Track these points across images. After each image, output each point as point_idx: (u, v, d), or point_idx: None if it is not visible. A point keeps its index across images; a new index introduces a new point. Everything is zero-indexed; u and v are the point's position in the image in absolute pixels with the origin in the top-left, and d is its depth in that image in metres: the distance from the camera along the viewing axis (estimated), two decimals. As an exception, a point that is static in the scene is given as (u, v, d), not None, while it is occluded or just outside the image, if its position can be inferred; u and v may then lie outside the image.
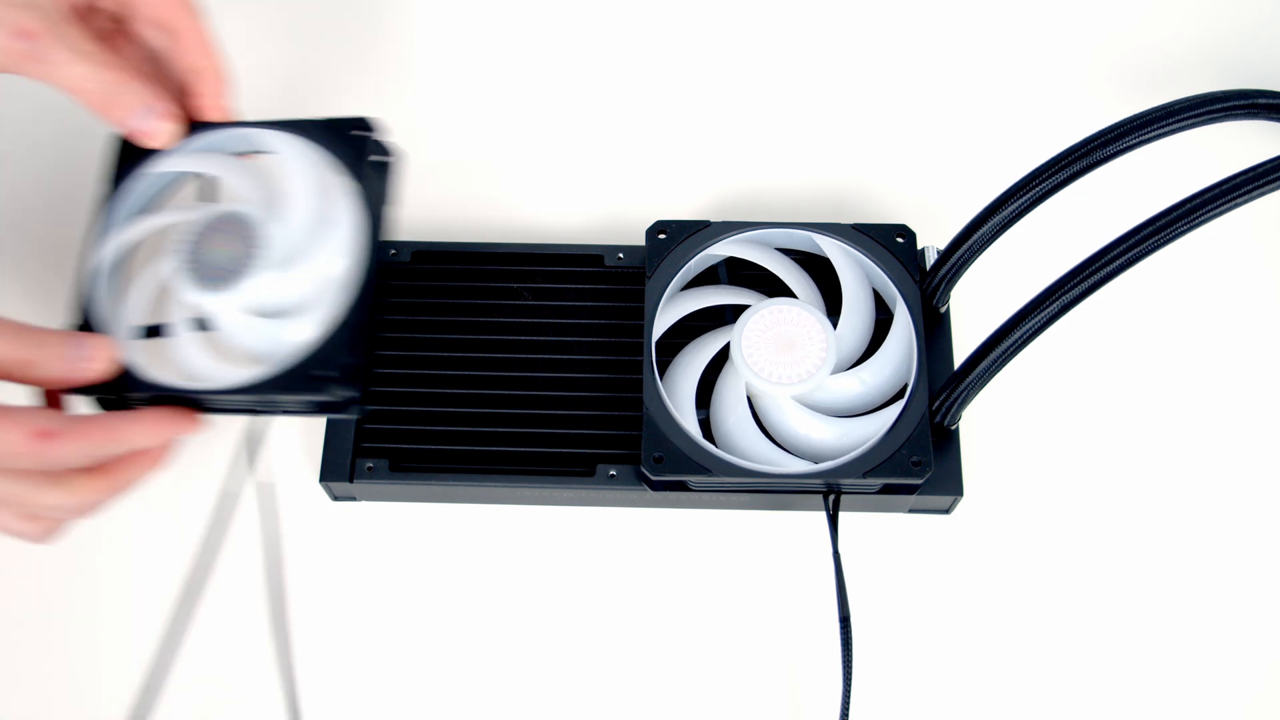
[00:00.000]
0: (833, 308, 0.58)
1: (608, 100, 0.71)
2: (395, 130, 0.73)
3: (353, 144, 0.53)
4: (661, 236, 0.59)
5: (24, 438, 0.44)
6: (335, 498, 0.60)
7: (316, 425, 0.60)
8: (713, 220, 0.59)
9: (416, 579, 0.59)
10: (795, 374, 0.55)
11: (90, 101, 0.50)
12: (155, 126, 0.51)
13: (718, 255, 0.60)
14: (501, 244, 0.62)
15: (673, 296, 0.59)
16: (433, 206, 0.66)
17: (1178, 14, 0.72)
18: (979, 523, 0.59)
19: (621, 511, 0.60)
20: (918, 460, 0.54)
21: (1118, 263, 0.47)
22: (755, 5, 0.74)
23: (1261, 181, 0.47)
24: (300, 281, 0.51)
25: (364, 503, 0.60)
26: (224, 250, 0.50)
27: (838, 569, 0.54)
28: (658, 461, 0.54)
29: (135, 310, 0.52)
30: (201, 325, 0.51)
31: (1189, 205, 0.46)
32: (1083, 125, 0.51)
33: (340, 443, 0.58)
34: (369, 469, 0.57)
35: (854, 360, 0.58)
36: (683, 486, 0.56)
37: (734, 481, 0.54)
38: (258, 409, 0.51)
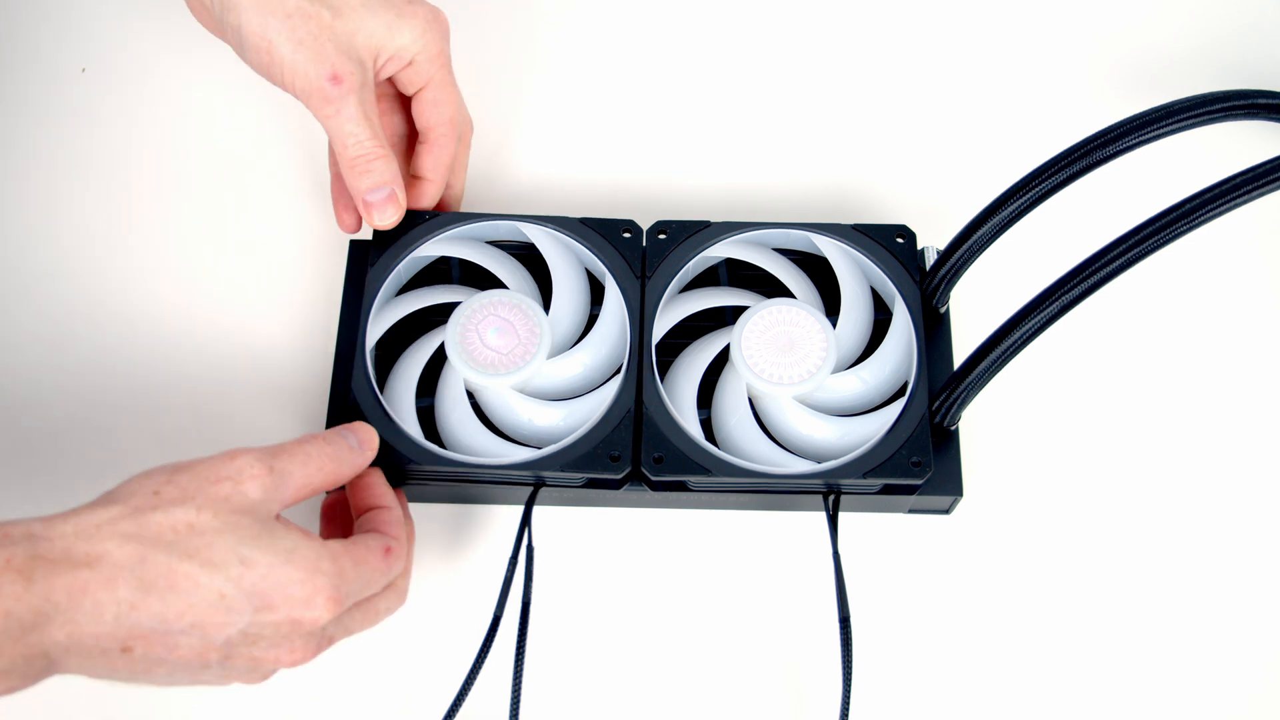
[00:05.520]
0: (831, 308, 0.58)
1: (607, 101, 0.71)
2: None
3: (619, 244, 0.59)
4: (661, 236, 0.59)
5: (379, 559, 0.48)
6: (335, 498, 0.60)
7: (316, 424, 0.60)
8: (713, 220, 0.60)
9: (416, 579, 0.59)
10: (796, 374, 0.55)
11: (345, 159, 0.55)
12: (380, 210, 0.57)
13: (717, 256, 0.60)
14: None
15: (672, 298, 0.59)
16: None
17: (1178, 14, 0.72)
18: (979, 523, 0.59)
19: (621, 511, 0.60)
20: (918, 460, 0.54)
21: (1118, 263, 0.46)
22: (755, 5, 0.74)
23: (1261, 181, 0.47)
24: (568, 369, 0.57)
25: (364, 503, 0.60)
26: (499, 334, 0.55)
27: (838, 569, 0.54)
28: (658, 462, 0.54)
29: (408, 386, 0.57)
30: (472, 402, 0.57)
31: (1189, 205, 0.46)
32: (1083, 125, 0.51)
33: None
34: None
35: (854, 360, 0.58)
36: (683, 486, 0.56)
37: (733, 482, 0.54)
38: (529, 482, 0.56)
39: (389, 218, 0.57)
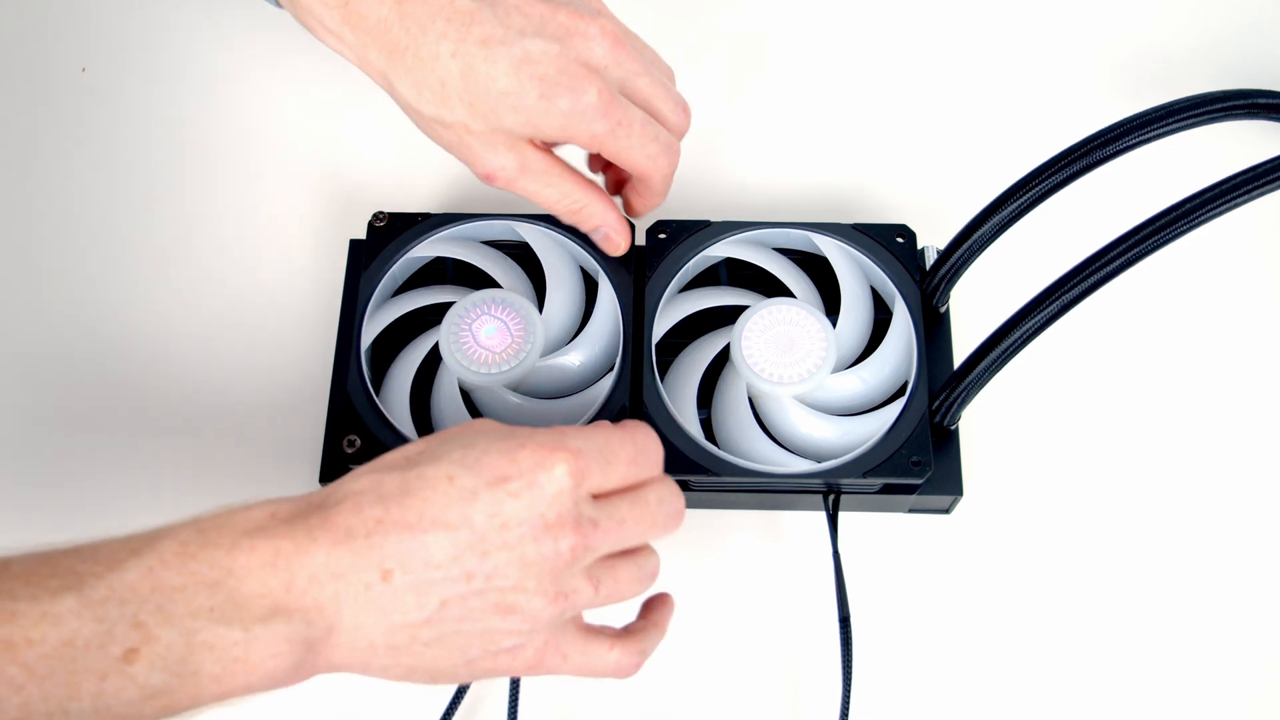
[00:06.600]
0: (831, 308, 0.58)
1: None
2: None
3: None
4: (661, 236, 0.59)
5: (610, 429, 0.45)
6: (335, 498, 0.60)
7: (316, 424, 0.60)
8: (713, 220, 0.60)
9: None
10: (796, 374, 0.55)
11: (561, 217, 0.55)
12: (607, 247, 0.57)
13: (717, 256, 0.60)
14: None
15: (672, 297, 0.59)
16: (429, 205, 0.67)
17: (1178, 14, 0.72)
18: (979, 523, 0.59)
19: (621, 511, 0.59)
20: (918, 460, 0.54)
21: (1118, 263, 0.46)
22: (754, 5, 0.74)
23: (1261, 181, 0.47)
24: (562, 366, 0.57)
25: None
26: (493, 334, 0.56)
27: (838, 569, 0.54)
28: (658, 461, 0.54)
29: (403, 386, 0.57)
30: (467, 402, 0.57)
31: (1189, 205, 0.46)
32: (1083, 125, 0.51)
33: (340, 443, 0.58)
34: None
35: (854, 359, 0.58)
36: (683, 486, 0.56)
37: (734, 481, 0.54)
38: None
39: (617, 251, 0.57)
